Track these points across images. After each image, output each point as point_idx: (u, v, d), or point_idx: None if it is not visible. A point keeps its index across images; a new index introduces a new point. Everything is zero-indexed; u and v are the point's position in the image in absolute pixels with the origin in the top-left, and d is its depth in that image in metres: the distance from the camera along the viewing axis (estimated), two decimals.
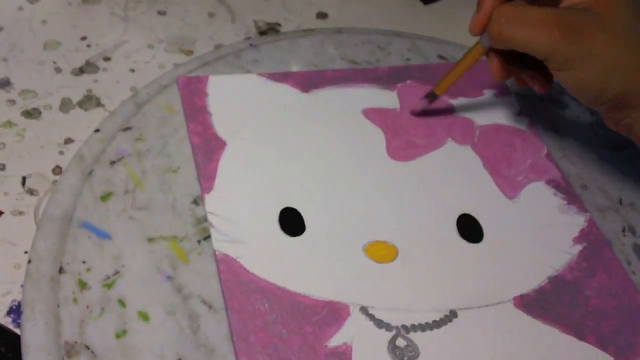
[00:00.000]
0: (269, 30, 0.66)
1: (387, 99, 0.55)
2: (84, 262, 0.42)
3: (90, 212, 0.45)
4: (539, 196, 0.51)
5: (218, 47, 0.63)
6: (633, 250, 0.50)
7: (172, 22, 0.66)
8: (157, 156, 0.49)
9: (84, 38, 0.61)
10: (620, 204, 0.53)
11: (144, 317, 0.40)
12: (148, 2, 0.67)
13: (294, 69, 0.57)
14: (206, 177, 0.46)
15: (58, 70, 0.58)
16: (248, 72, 0.56)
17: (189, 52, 0.62)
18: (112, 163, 0.48)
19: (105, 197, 0.46)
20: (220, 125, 0.50)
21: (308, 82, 0.55)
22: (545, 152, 0.54)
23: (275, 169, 0.48)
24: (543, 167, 0.52)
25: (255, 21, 0.67)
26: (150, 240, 0.44)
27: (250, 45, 0.60)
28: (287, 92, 0.54)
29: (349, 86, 0.55)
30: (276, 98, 0.53)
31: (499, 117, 0.55)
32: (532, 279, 0.45)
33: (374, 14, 0.70)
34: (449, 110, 0.55)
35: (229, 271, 0.42)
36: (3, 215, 0.47)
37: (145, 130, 0.50)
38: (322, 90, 0.54)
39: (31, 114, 0.54)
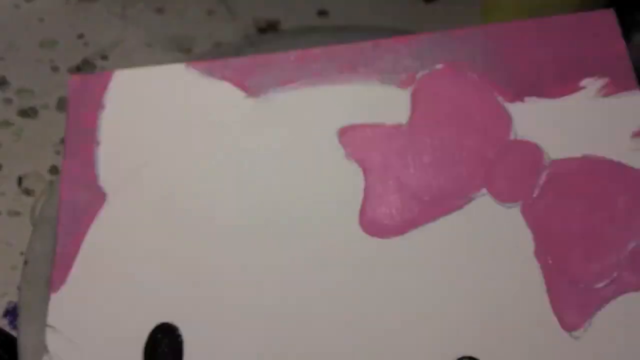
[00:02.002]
0: (269, 28, 0.66)
1: (390, 104, 0.31)
2: None
3: None
4: (630, 326, 0.26)
5: (217, 45, 0.63)
6: None
7: (171, 20, 0.65)
8: None
9: (81, 36, 0.61)
10: None
11: None
12: (145, 1, 0.67)
13: None
14: (61, 263, 0.31)
15: (55, 69, 0.58)
16: None
17: (188, 51, 0.62)
18: None
19: None
20: (107, 167, 0.32)
21: (261, 76, 0.34)
22: None
23: (171, 248, 0.30)
24: None
25: (254, 19, 0.66)
26: None
27: (250, 43, 0.59)
28: (223, 97, 0.33)
29: (327, 81, 0.33)
30: (205, 107, 0.33)
31: (599, 140, 0.29)
32: None
33: (375, 11, 0.70)
34: (501, 124, 0.30)
35: None
36: None
37: None
38: (281, 93, 0.33)
39: (28, 113, 0.54)
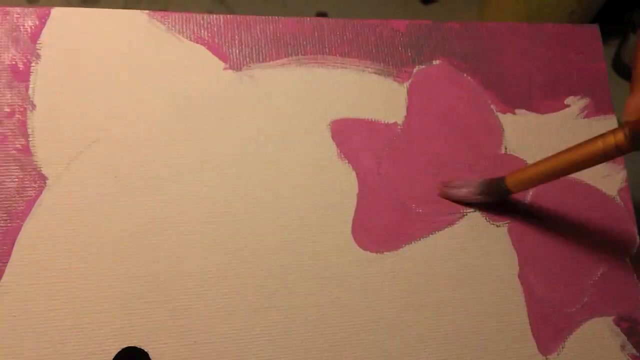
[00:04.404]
0: None
1: (386, 98, 0.28)
2: None
3: None
4: (596, 350, 0.27)
5: None
6: None
7: None
8: None
9: None
10: None
11: None
12: (147, 2, 0.66)
13: None
14: None
15: None
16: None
17: None
18: None
19: None
20: (45, 141, 0.24)
21: (243, 45, 0.27)
22: (636, 246, 0.28)
23: (129, 248, 0.24)
24: (623, 284, 0.28)
25: None
26: None
27: None
28: (197, 64, 0.26)
29: (319, 63, 0.28)
30: (173, 74, 0.26)
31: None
32: None
33: (374, 13, 0.69)
34: (493, 137, 0.29)
35: None
36: None
37: None
38: (266, 69, 0.27)
39: None
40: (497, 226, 0.27)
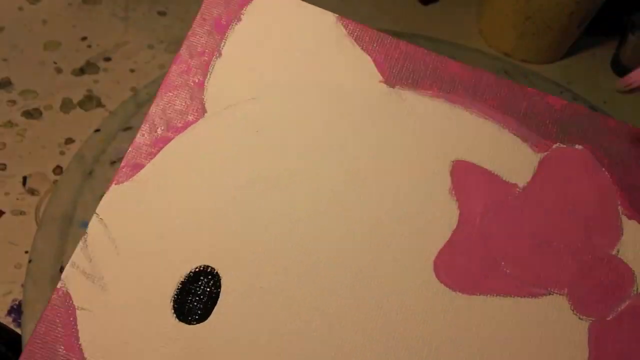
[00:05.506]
0: None
1: (515, 161, 0.29)
2: None
3: (91, 212, 0.45)
4: None
5: None
6: None
7: (173, 23, 0.65)
8: None
9: (84, 38, 0.61)
10: None
11: None
12: (148, 2, 0.67)
13: None
14: (133, 158, 0.29)
15: (59, 70, 0.58)
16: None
17: None
18: (113, 163, 0.48)
19: None
20: (217, 83, 0.30)
21: (405, 69, 0.31)
22: None
23: (244, 190, 0.28)
24: None
25: None
26: None
27: None
28: (359, 71, 0.30)
29: (464, 106, 0.30)
30: (335, 72, 0.30)
31: None
32: None
33: (373, 14, 0.70)
34: (610, 237, 0.29)
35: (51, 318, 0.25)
36: (4, 215, 0.47)
37: None
38: (417, 94, 0.30)
39: (32, 114, 0.54)
40: (578, 319, 0.27)
